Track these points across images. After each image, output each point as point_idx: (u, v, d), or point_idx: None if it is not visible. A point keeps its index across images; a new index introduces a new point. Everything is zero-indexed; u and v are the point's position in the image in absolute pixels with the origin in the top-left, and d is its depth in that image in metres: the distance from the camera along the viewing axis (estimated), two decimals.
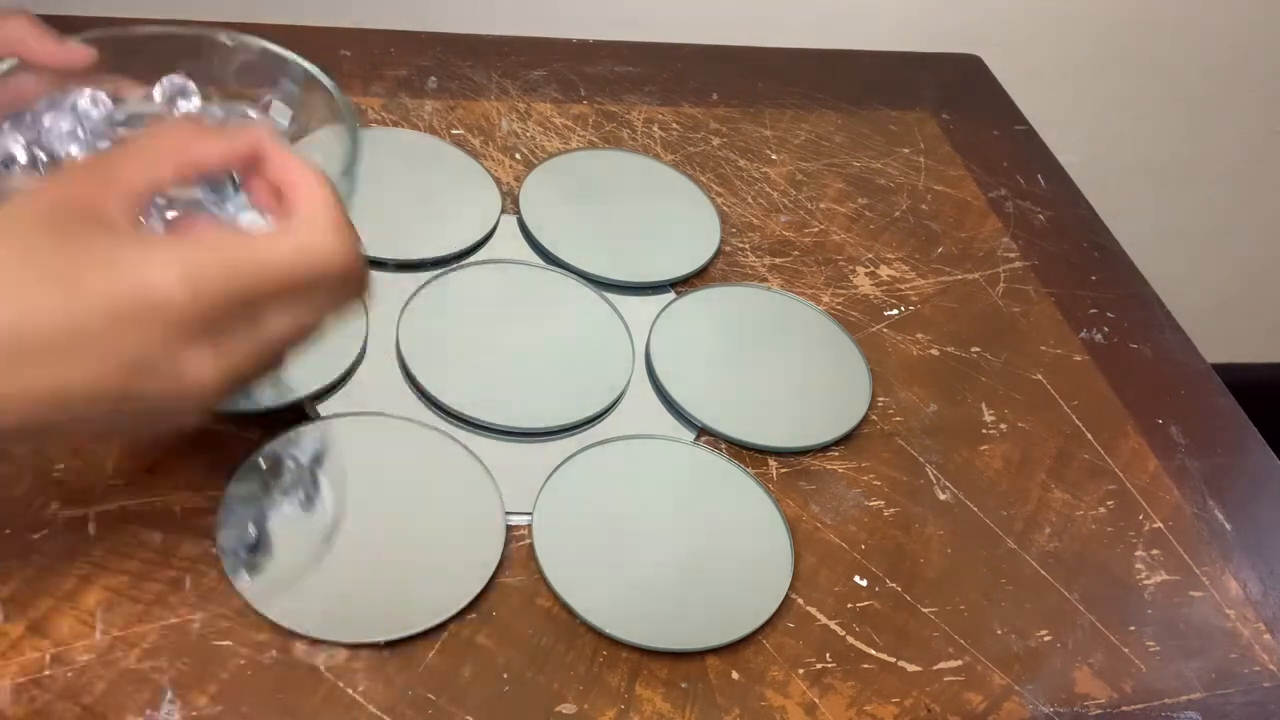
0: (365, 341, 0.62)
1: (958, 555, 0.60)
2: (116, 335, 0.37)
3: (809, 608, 0.56)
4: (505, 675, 0.51)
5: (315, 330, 0.43)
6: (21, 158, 0.49)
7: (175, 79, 0.52)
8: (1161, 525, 0.65)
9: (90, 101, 0.50)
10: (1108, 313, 0.78)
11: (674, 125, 0.83)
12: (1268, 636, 0.61)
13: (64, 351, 0.37)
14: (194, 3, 0.75)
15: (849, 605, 0.57)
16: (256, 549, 0.52)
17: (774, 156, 0.83)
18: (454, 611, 0.52)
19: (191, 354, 0.39)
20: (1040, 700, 0.55)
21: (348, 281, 0.42)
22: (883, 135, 0.88)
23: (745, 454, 0.62)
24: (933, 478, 0.64)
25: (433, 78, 0.81)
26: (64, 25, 0.51)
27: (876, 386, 0.68)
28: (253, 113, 0.54)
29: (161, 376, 0.38)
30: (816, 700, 0.53)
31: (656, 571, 0.56)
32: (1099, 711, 0.56)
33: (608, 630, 0.53)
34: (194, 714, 0.47)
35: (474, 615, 0.52)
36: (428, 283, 0.66)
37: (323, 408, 0.59)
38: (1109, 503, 0.65)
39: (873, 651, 0.55)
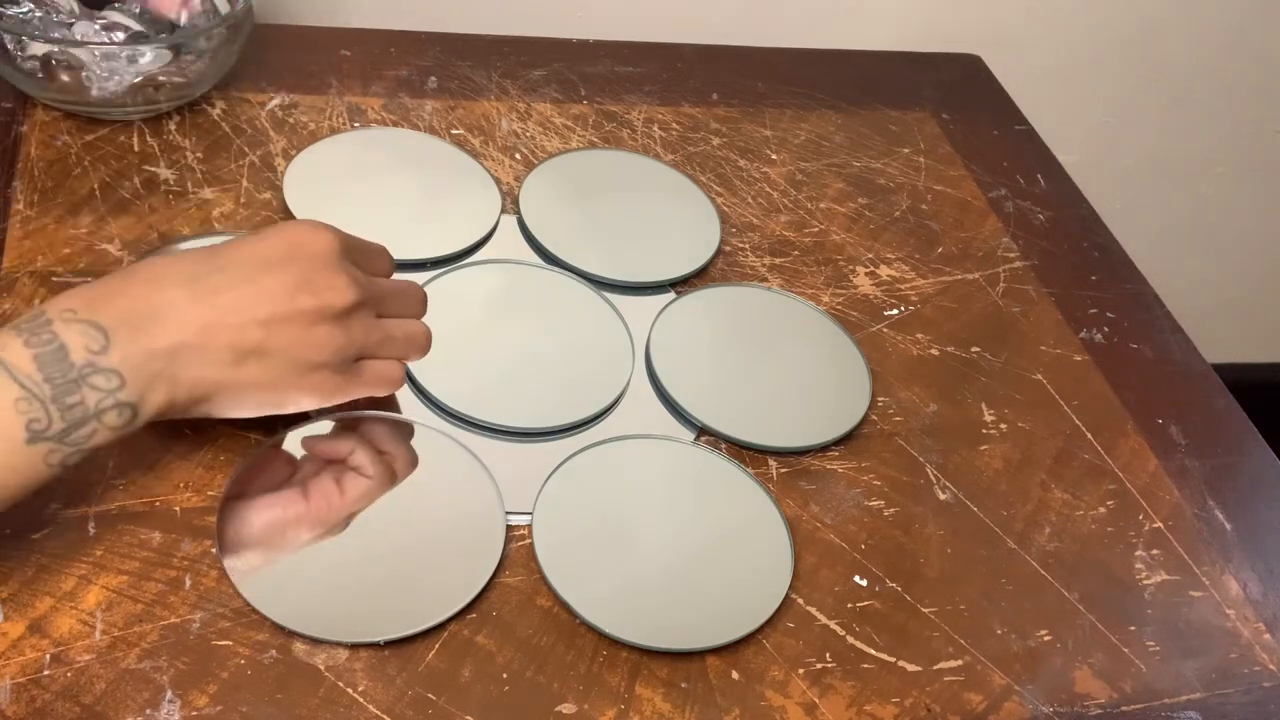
0: None
1: (958, 555, 0.60)
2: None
3: (809, 608, 0.56)
4: (505, 675, 0.51)
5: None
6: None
7: None
8: (1161, 525, 0.65)
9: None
10: (1108, 313, 0.78)
11: (674, 125, 0.83)
12: (1268, 636, 0.61)
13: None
14: None
15: (849, 605, 0.57)
16: None
17: (774, 156, 0.83)
18: (454, 611, 0.52)
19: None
20: (1040, 700, 0.55)
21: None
22: (883, 135, 0.88)
23: (745, 454, 0.62)
24: (933, 478, 0.64)
25: (433, 78, 0.81)
26: None
27: (876, 386, 0.68)
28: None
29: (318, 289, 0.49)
30: (816, 700, 0.53)
31: (656, 571, 0.56)
32: (1099, 711, 0.56)
33: (608, 630, 0.53)
34: (194, 714, 0.47)
35: (474, 615, 0.52)
36: (428, 283, 0.66)
37: None
38: (1109, 503, 0.65)
39: (873, 651, 0.55)
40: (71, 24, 0.69)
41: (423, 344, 0.56)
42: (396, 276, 0.57)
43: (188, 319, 0.46)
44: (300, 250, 0.49)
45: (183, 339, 0.46)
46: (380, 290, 0.53)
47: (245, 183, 0.69)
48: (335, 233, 0.51)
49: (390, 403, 0.59)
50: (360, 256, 0.53)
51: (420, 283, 0.65)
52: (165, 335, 0.46)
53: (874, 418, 0.66)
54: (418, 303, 0.57)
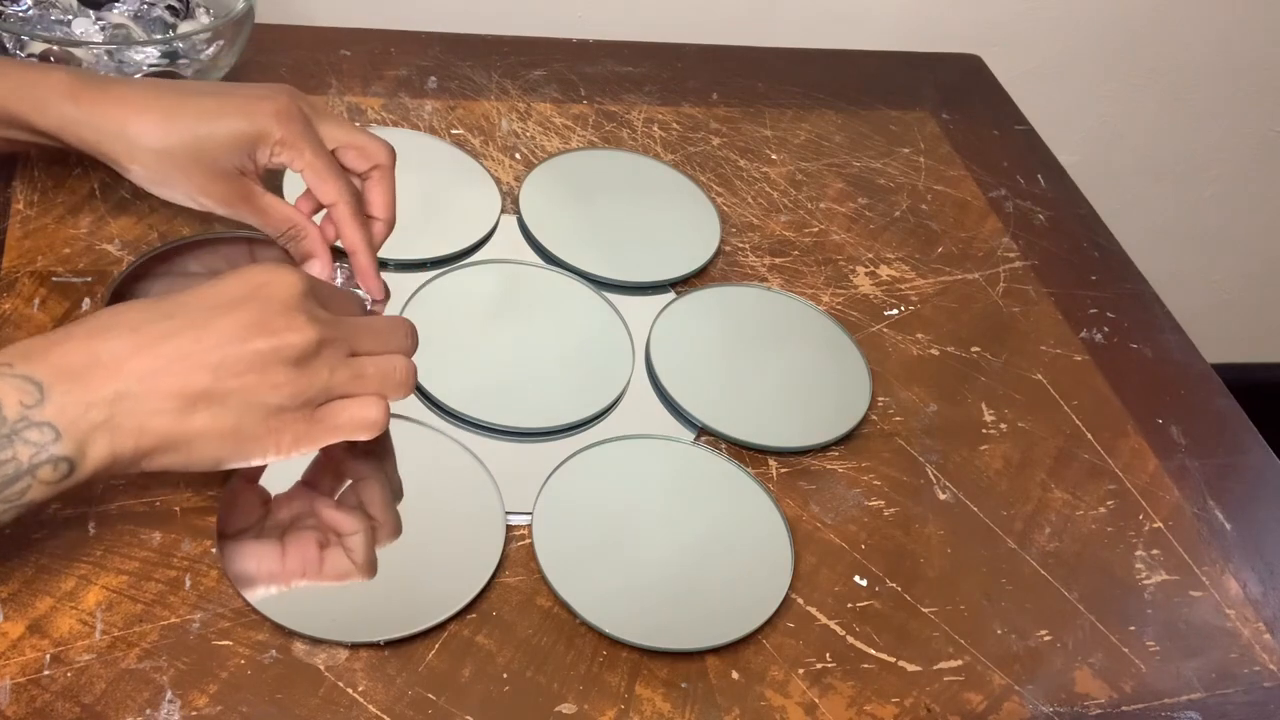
0: None
1: (958, 555, 0.60)
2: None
3: (809, 608, 0.56)
4: (505, 675, 0.51)
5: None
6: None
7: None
8: (1161, 525, 0.65)
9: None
10: (1108, 313, 0.78)
11: (674, 125, 0.83)
12: (1268, 636, 0.61)
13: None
14: None
15: (849, 605, 0.57)
16: None
17: (774, 156, 0.83)
18: (454, 611, 0.52)
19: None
20: (1040, 700, 0.55)
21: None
22: (883, 135, 0.88)
23: (745, 454, 0.62)
24: (933, 478, 0.64)
25: (433, 78, 0.81)
26: None
27: (876, 386, 0.68)
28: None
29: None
30: (816, 700, 0.53)
31: (656, 571, 0.56)
32: (1099, 711, 0.56)
33: (608, 630, 0.53)
34: (194, 714, 0.47)
35: (474, 615, 0.52)
36: (428, 283, 0.66)
37: None
38: (1109, 503, 0.65)
39: (873, 651, 0.55)
40: (70, 21, 0.69)
41: (401, 379, 0.51)
42: (395, 275, 0.55)
43: (129, 367, 0.44)
44: (260, 292, 0.47)
45: (123, 388, 0.44)
46: (352, 328, 0.50)
47: None
48: (301, 274, 0.48)
49: (381, 449, 0.56)
50: (330, 299, 0.50)
51: (420, 283, 0.66)
52: (104, 385, 0.43)
53: (874, 418, 0.66)
54: (402, 336, 0.53)
